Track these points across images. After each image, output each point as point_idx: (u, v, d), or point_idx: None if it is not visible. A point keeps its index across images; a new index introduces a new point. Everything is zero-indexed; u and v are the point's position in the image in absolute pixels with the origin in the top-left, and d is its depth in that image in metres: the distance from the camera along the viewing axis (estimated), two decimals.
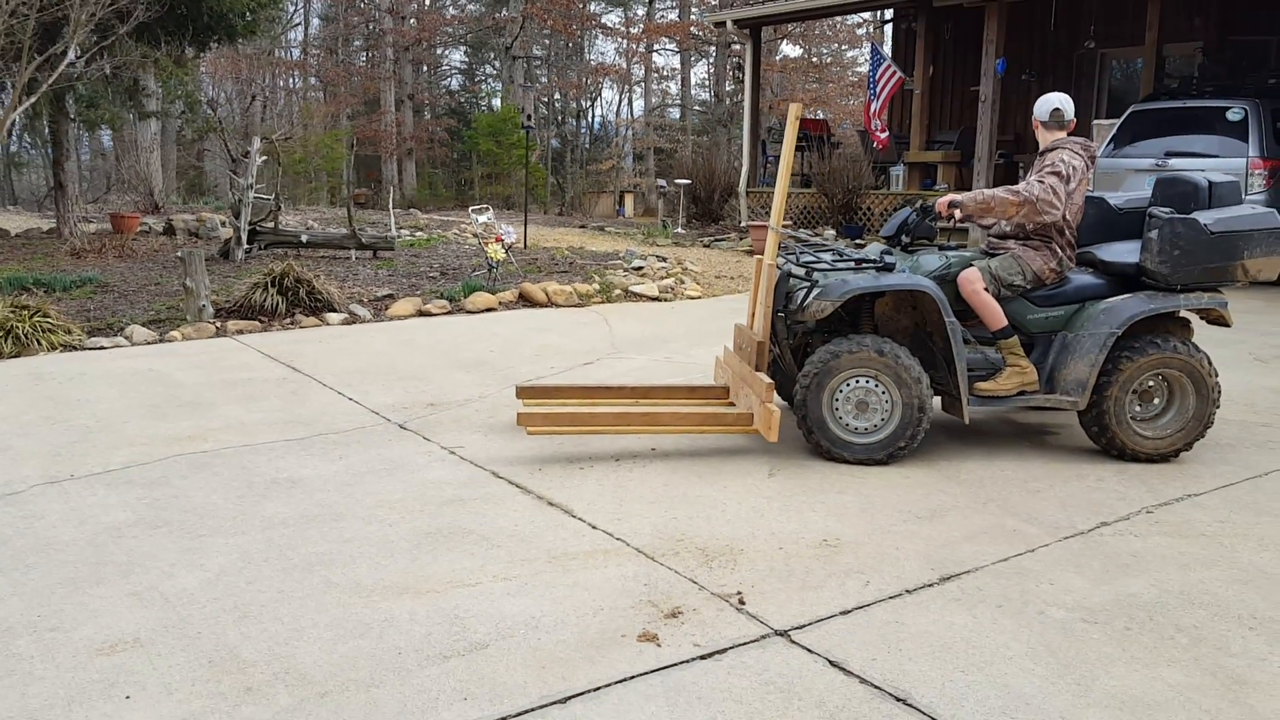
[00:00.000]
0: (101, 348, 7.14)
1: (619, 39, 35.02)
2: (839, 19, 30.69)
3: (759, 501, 4.15)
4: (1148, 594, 3.31)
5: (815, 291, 4.56)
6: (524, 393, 5.07)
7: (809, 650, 2.95)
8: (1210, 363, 4.70)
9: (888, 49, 17.74)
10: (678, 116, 36.25)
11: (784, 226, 4.84)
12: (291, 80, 37.81)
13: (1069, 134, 4.87)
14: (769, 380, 4.57)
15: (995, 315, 4.64)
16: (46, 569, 3.46)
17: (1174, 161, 9.41)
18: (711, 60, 35.31)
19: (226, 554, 3.60)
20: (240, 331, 7.67)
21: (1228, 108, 9.60)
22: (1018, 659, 2.90)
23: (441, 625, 3.08)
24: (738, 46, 27.49)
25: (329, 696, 2.68)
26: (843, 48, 35.44)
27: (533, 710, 2.63)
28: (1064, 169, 4.65)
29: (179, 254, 8.13)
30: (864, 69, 31.47)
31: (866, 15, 24.22)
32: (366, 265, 10.73)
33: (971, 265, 4.72)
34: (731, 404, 5.00)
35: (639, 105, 36.44)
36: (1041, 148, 4.88)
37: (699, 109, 35.97)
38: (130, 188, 18.40)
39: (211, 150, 27.91)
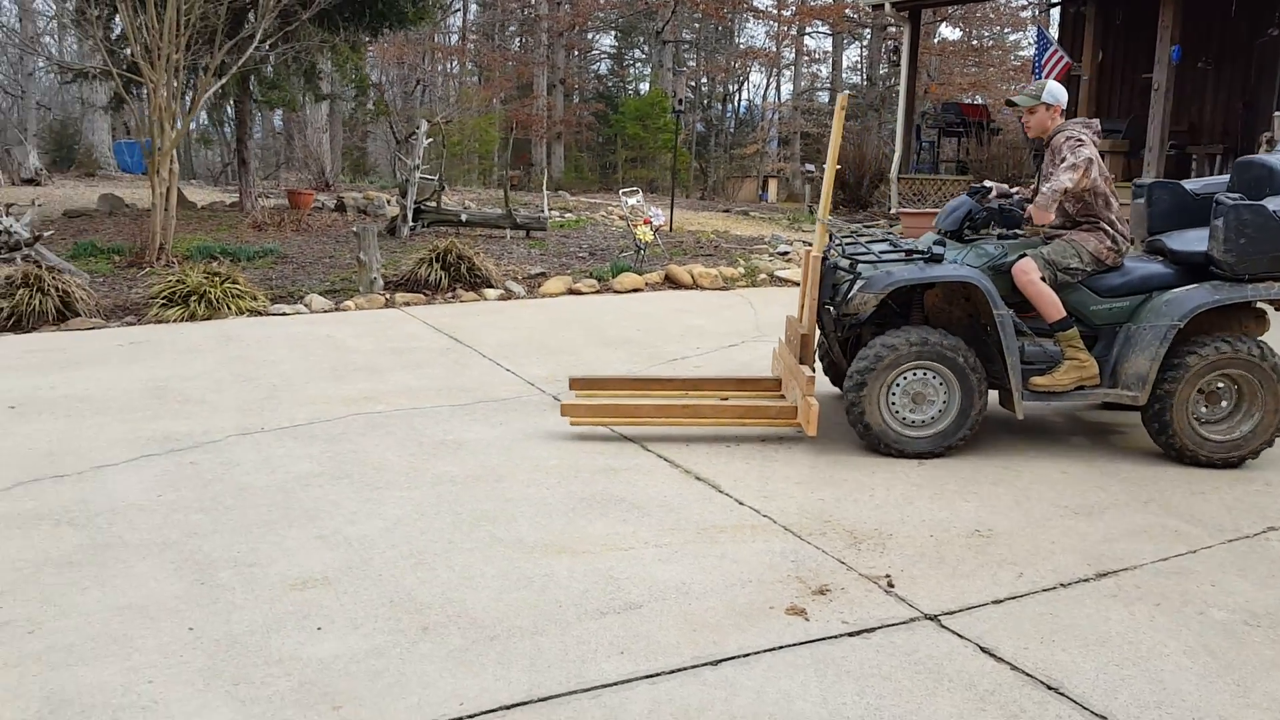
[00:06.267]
0: (284, 314, 7.67)
1: (770, 22, 34.74)
2: (1003, 1, 29.62)
3: (908, 489, 4.17)
4: None
5: (858, 284, 4.48)
6: (576, 383, 5.09)
7: (959, 635, 2.98)
8: None
9: (1054, 33, 17.04)
10: (826, 100, 35.70)
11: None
12: (450, 65, 39.03)
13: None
14: (810, 373, 4.52)
15: (1052, 305, 4.47)
16: (243, 510, 3.81)
17: None
18: (865, 43, 34.63)
19: (401, 506, 3.87)
20: (407, 304, 8.10)
21: None
22: (1175, 656, 2.86)
23: (597, 584, 3.25)
24: (894, 29, 26.89)
25: (497, 640, 2.88)
26: (1005, 31, 34.15)
27: (686, 669, 2.76)
28: (1079, 139, 4.55)
29: (354, 229, 8.63)
30: (1026, 53, 30.31)
31: None
32: (520, 244, 11.10)
33: (1025, 255, 4.55)
34: (782, 396, 5.00)
35: (786, 89, 36.09)
36: (1049, 133, 4.72)
37: (849, 93, 35.30)
38: (302, 166, 19.43)
39: (374, 132, 29.17)
